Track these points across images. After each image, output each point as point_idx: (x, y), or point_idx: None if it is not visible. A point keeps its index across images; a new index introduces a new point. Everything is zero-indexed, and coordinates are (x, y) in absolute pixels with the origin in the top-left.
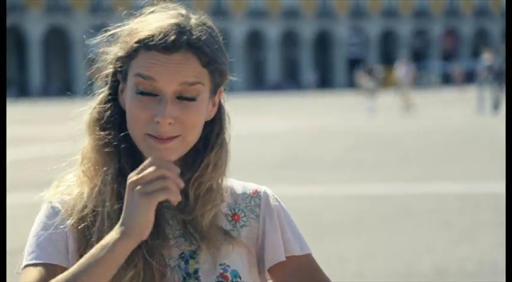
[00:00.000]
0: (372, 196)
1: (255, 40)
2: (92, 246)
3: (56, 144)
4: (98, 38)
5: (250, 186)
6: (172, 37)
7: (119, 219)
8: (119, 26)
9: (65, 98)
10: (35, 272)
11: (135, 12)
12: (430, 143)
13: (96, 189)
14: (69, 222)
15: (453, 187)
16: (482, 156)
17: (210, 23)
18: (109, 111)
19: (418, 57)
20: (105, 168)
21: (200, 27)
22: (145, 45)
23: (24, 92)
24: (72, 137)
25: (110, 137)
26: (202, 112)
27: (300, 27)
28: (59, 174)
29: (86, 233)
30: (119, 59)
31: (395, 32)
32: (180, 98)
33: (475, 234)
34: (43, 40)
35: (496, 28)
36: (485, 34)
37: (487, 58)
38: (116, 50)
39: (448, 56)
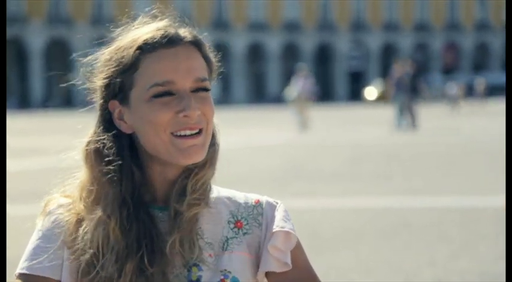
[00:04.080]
0: (371, 209)
1: (255, 53)
2: (92, 280)
3: (56, 156)
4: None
5: (252, 197)
6: (173, 31)
7: (122, 253)
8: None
9: (66, 110)
10: None
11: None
12: (430, 154)
13: (101, 224)
14: (67, 253)
15: (453, 200)
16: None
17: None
18: (106, 142)
19: (419, 70)
20: (109, 199)
21: (186, 27)
22: (150, 46)
23: (25, 103)
24: (70, 149)
25: (111, 167)
26: (212, 104)
27: (300, 40)
28: (57, 187)
29: (87, 268)
30: (111, 84)
31: (396, 45)
32: (194, 91)
33: (475, 247)
34: (44, 52)
35: (497, 42)
36: (486, 48)
37: (397, 71)
38: (102, 76)
39: (449, 70)
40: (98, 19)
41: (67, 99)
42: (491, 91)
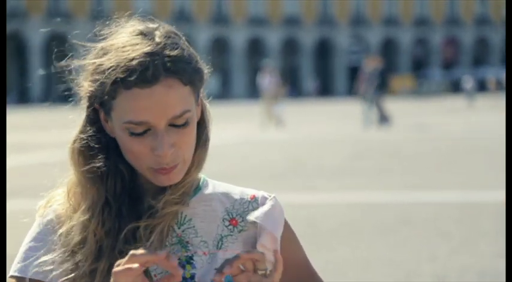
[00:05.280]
0: (371, 204)
1: (255, 48)
2: (75, 279)
3: (55, 151)
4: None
5: (248, 192)
6: (150, 70)
7: (98, 254)
8: (85, 52)
9: (66, 105)
10: None
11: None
12: (430, 150)
13: (81, 225)
14: (59, 247)
15: (453, 196)
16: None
17: (171, 28)
18: (91, 141)
19: (419, 65)
20: (92, 201)
21: (168, 42)
22: (124, 85)
23: (24, 98)
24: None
25: (95, 168)
26: (194, 130)
27: (300, 34)
28: (56, 183)
29: (69, 268)
30: (94, 96)
31: (396, 40)
32: (172, 125)
33: (475, 243)
34: (44, 46)
35: (497, 37)
36: (485, 43)
37: (369, 66)
38: (86, 87)
39: (449, 65)
40: (98, 14)
41: (66, 95)
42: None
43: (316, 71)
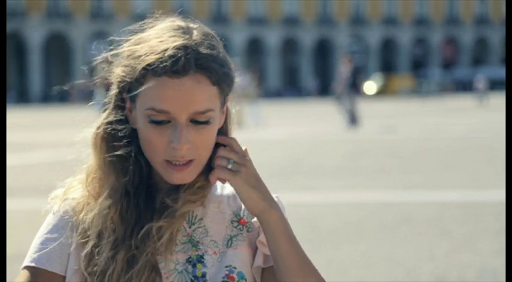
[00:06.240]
0: (372, 203)
1: (255, 47)
2: (93, 265)
3: (55, 150)
4: (100, 51)
5: None
6: (182, 61)
7: (117, 242)
8: (119, 43)
9: (65, 104)
10: (31, 277)
11: (133, 27)
12: (431, 149)
13: (102, 211)
14: (75, 238)
15: (453, 195)
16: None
17: (209, 30)
18: (116, 130)
19: (418, 65)
20: (112, 189)
21: (204, 41)
22: (154, 71)
23: (24, 97)
24: (71, 144)
25: (118, 155)
26: (215, 131)
27: (300, 34)
28: (64, 180)
29: (88, 253)
30: (124, 82)
31: (395, 40)
32: (193, 121)
33: (475, 241)
34: (43, 46)
35: (496, 36)
36: (485, 42)
37: (345, 67)
38: (119, 72)
39: (448, 64)
40: (97, 13)
41: (66, 94)
42: (490, 85)
43: (316, 70)
